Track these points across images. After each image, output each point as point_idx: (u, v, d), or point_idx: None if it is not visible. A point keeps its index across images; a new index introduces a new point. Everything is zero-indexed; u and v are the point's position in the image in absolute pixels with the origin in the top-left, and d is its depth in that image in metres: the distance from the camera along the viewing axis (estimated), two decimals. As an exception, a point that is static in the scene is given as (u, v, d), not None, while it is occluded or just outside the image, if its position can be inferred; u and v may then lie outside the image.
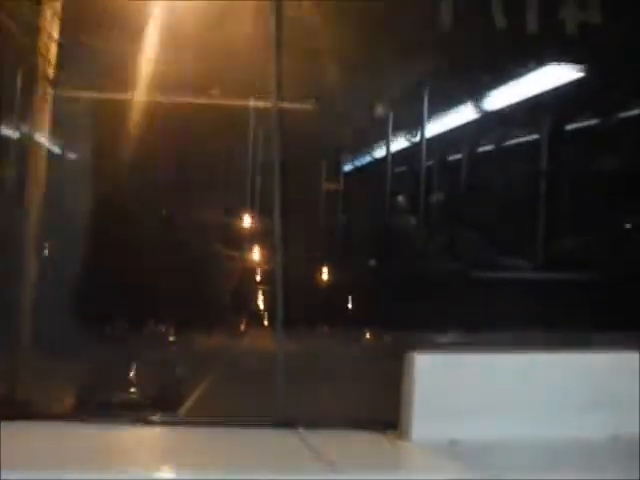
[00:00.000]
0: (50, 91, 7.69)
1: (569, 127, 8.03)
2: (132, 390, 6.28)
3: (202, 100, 8.22)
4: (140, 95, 7.87)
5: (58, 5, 7.67)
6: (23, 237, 7.68)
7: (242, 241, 9.40)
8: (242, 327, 9.13)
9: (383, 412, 2.82)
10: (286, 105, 5.54)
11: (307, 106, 7.60)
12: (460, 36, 6.11)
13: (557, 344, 2.74)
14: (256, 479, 2.30)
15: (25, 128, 8.08)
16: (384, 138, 8.68)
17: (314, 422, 2.82)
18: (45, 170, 7.79)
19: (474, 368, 2.63)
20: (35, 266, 7.68)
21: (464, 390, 2.59)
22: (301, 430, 2.66)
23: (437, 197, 8.42)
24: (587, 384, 2.62)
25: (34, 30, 7.43)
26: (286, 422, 2.76)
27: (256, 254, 9.32)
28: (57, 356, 7.03)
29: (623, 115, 7.48)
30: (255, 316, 9.20)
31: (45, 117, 7.77)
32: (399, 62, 7.40)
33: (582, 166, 7.61)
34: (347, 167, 9.01)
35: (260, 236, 8.42)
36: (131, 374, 6.82)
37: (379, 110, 8.17)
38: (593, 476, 2.35)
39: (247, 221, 9.16)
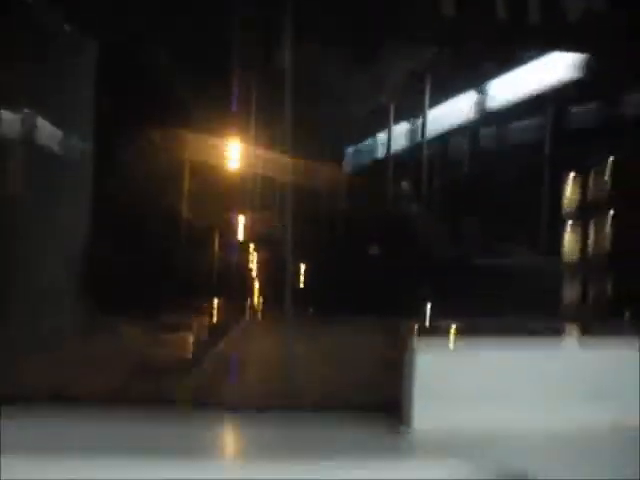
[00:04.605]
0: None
1: (572, 114, 8.01)
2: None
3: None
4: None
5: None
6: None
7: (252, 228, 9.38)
8: (249, 315, 9.15)
9: (385, 399, 2.85)
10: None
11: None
12: (462, 24, 6.10)
13: (558, 333, 2.77)
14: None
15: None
16: (385, 126, 8.68)
17: (318, 407, 2.86)
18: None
19: (475, 356, 2.65)
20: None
21: (465, 378, 2.62)
22: (305, 414, 2.69)
23: (439, 184, 8.43)
24: (588, 373, 2.64)
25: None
26: (291, 406, 2.80)
27: (262, 243, 9.30)
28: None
29: (628, 102, 7.47)
30: (263, 304, 9.22)
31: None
32: (401, 50, 7.39)
33: (584, 153, 7.60)
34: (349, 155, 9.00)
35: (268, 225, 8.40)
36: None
37: (381, 98, 8.17)
38: (594, 465, 2.37)
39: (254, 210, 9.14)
